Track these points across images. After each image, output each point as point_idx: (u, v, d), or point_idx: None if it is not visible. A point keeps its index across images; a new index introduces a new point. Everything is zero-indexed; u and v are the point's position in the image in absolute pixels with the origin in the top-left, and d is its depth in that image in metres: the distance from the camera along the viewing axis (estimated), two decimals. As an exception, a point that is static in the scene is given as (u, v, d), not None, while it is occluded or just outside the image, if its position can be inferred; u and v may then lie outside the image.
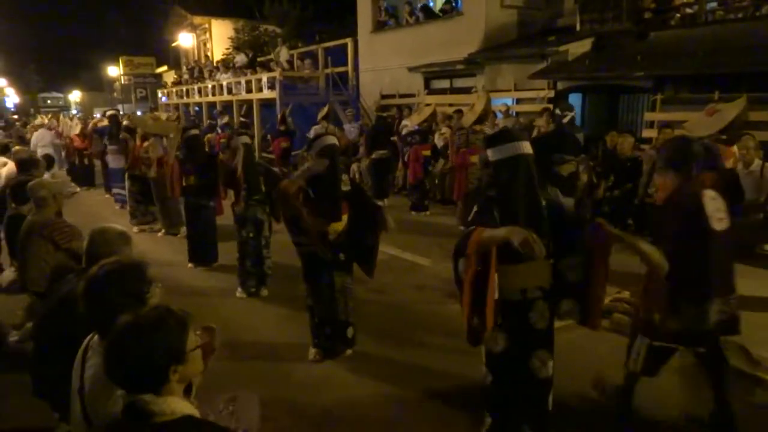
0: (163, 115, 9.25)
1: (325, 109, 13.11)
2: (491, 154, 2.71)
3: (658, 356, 3.04)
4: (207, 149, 8.14)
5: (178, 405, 1.51)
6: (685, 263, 2.71)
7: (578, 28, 11.04)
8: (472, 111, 9.06)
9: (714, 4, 9.88)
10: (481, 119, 8.76)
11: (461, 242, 2.58)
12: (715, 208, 2.84)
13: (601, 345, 4.09)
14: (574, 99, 11.24)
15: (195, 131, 7.17)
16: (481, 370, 2.94)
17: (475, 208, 2.73)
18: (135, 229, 8.60)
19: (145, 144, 8.15)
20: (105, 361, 1.54)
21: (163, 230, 8.37)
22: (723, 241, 2.84)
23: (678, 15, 10.17)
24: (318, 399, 3.75)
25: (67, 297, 2.47)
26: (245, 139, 5.67)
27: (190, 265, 6.67)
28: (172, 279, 6.20)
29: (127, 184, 8.90)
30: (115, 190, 10.50)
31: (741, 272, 5.62)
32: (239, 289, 5.68)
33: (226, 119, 15.47)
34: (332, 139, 4.06)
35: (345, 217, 4.02)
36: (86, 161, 12.60)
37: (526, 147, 2.65)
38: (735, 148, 5.34)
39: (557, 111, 7.77)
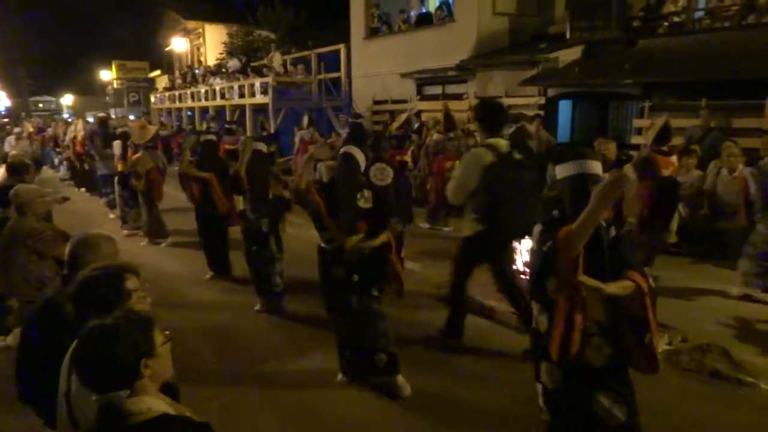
0: (151, 128, 9.09)
1: (305, 119, 13.13)
2: (558, 172, 2.54)
3: None
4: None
5: (153, 403, 1.54)
6: None
7: (568, 35, 11.13)
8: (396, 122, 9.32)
9: (701, 13, 10.01)
10: (447, 129, 8.89)
11: (545, 261, 2.40)
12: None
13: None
14: (564, 106, 11.34)
15: (211, 137, 6.98)
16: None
17: (539, 227, 2.54)
18: (124, 232, 8.59)
19: (135, 156, 8.04)
20: (75, 365, 1.58)
21: (147, 239, 8.29)
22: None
23: (666, 23, 10.28)
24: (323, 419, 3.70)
25: (51, 301, 2.48)
26: (260, 146, 5.35)
27: (207, 276, 6.49)
28: (166, 289, 6.21)
29: (117, 188, 8.87)
30: (108, 197, 10.30)
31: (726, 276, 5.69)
32: (260, 303, 5.46)
33: (212, 124, 15.51)
34: (351, 149, 3.81)
35: (361, 235, 3.74)
36: (87, 166, 12.50)
37: (595, 167, 2.47)
38: (675, 158, 5.68)
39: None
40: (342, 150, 3.85)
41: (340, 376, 3.99)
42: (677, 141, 8.03)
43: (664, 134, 5.52)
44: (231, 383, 4.07)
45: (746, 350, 4.20)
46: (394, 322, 4.54)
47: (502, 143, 4.13)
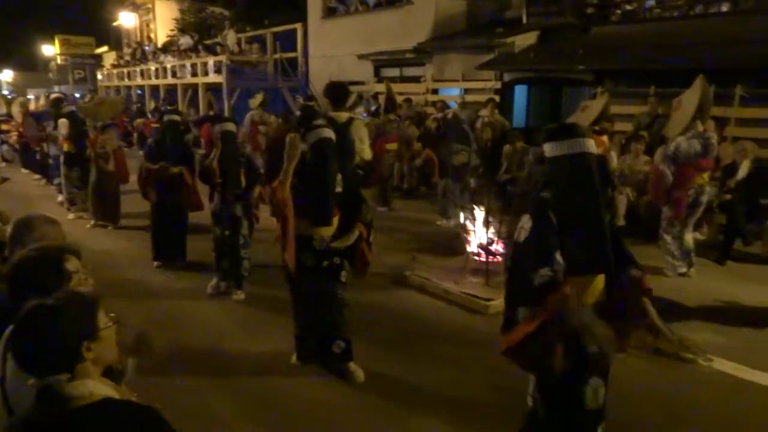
0: (111, 101, 8.72)
1: (260, 96, 12.79)
2: (550, 149, 2.36)
3: None
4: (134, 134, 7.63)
5: (95, 387, 1.47)
6: None
7: (524, 20, 11.25)
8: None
9: (652, 2, 10.28)
10: (388, 110, 9.26)
11: (535, 290, 2.24)
12: None
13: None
14: (520, 90, 11.49)
15: (175, 117, 6.48)
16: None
17: (528, 219, 2.35)
18: (71, 215, 8.25)
19: (102, 137, 7.61)
20: (13, 348, 1.50)
21: (93, 221, 7.94)
22: None
23: (618, 11, 10.53)
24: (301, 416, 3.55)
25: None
26: (229, 126, 5.12)
27: (155, 263, 6.17)
28: (114, 273, 6.02)
29: (63, 169, 8.48)
30: (56, 180, 9.65)
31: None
32: (210, 285, 5.29)
33: (153, 104, 15.10)
34: (327, 132, 3.62)
35: (335, 221, 3.63)
36: (37, 147, 11.80)
37: (592, 145, 2.34)
38: (605, 137, 6.24)
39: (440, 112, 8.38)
40: (320, 134, 3.59)
41: (293, 359, 3.95)
42: (627, 127, 8.29)
43: (603, 114, 5.83)
44: (184, 368, 3.98)
45: (686, 328, 4.40)
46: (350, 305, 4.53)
47: (343, 115, 4.94)
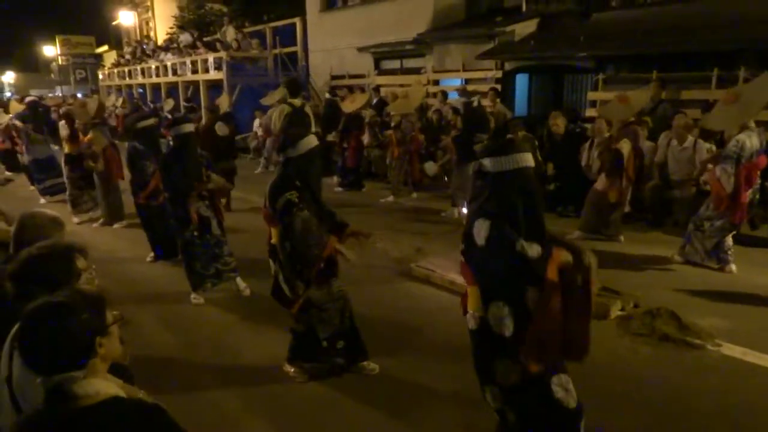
0: (92, 102, 8.72)
1: (278, 93, 12.71)
2: (492, 165, 2.43)
3: None
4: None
5: (102, 386, 1.48)
6: None
7: (524, 8, 11.17)
8: (408, 100, 9.48)
9: (652, -14, 10.19)
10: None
11: (535, 262, 2.30)
12: None
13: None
14: (521, 79, 11.42)
15: (150, 121, 6.39)
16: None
17: (483, 221, 2.40)
18: (75, 219, 8.22)
19: (87, 138, 7.63)
20: (21, 347, 1.49)
21: (101, 220, 7.98)
22: None
23: (619, -4, 10.44)
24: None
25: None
26: (187, 128, 5.07)
27: (149, 258, 6.26)
28: (119, 273, 6.03)
29: (65, 170, 8.47)
30: (43, 184, 9.68)
31: (676, 243, 5.92)
32: (193, 295, 5.07)
33: (171, 104, 15.05)
34: (315, 140, 3.51)
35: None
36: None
37: (529, 159, 2.44)
38: (636, 127, 6.44)
39: (463, 99, 8.96)
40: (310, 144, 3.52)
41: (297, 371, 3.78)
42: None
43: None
44: (189, 364, 4.00)
45: (693, 313, 4.38)
46: (355, 298, 4.55)
47: (297, 102, 6.89)
